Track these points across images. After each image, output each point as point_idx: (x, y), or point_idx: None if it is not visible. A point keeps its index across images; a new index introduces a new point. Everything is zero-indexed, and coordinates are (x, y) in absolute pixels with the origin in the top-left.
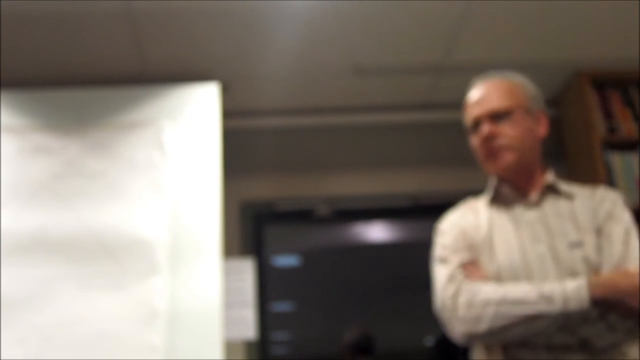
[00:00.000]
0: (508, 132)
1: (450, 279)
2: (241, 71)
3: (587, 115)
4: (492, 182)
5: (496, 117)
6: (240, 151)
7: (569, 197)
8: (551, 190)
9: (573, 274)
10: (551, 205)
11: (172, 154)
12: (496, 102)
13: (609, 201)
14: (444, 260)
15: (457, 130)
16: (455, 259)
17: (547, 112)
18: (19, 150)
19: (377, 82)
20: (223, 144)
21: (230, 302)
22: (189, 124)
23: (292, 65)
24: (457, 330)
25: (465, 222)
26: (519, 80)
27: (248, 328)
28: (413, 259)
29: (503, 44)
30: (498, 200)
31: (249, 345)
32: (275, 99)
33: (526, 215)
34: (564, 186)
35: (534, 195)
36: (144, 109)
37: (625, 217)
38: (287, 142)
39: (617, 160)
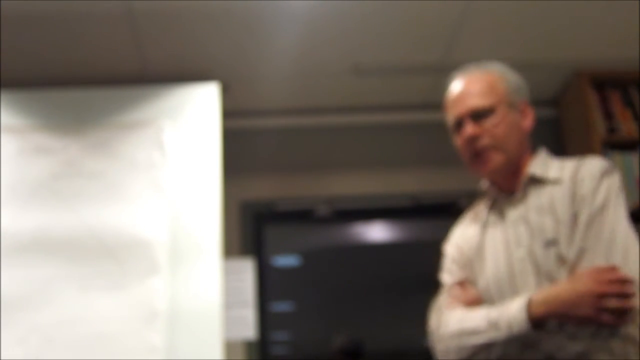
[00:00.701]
0: (492, 131)
1: (437, 308)
2: (241, 71)
3: (587, 115)
4: (483, 184)
5: (478, 115)
6: (240, 151)
7: (555, 182)
8: (535, 180)
9: (550, 277)
10: (534, 197)
11: (172, 154)
12: (477, 99)
13: (588, 180)
14: (442, 285)
15: None
16: (448, 283)
17: (530, 102)
18: (19, 150)
19: (377, 82)
20: (223, 144)
21: (230, 302)
22: (189, 124)
23: (292, 65)
24: None
25: (463, 236)
26: (500, 72)
27: (248, 328)
28: (413, 259)
29: (503, 44)
30: (490, 203)
31: (249, 345)
32: (275, 99)
33: (512, 214)
34: (553, 169)
35: (518, 190)
36: (144, 109)
37: (599, 197)
38: (287, 142)
39: (617, 160)
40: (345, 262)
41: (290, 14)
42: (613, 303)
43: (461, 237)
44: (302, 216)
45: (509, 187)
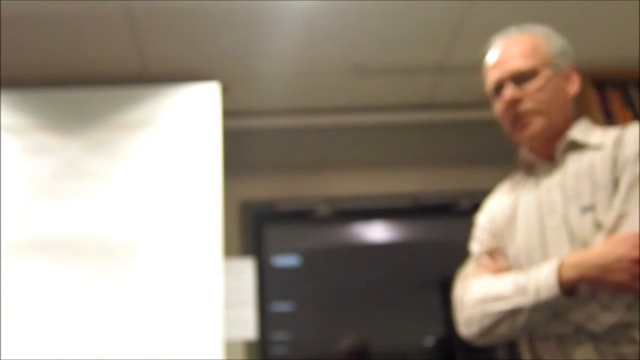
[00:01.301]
0: (534, 95)
1: (463, 276)
2: (241, 71)
3: (587, 115)
4: (521, 151)
5: (520, 78)
6: (240, 151)
7: (596, 148)
8: (575, 145)
9: (585, 245)
10: (573, 163)
11: (172, 154)
12: (519, 61)
13: (632, 144)
14: (470, 255)
15: (457, 130)
16: (477, 252)
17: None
18: (19, 150)
19: (377, 82)
20: (223, 144)
21: (230, 302)
22: (189, 124)
23: (292, 65)
24: (460, 332)
25: (497, 205)
26: (544, 34)
27: (248, 328)
28: (413, 259)
29: None
30: (526, 170)
31: (249, 345)
32: (275, 99)
33: (548, 181)
34: (595, 135)
35: (557, 155)
36: (144, 109)
37: None
38: (287, 142)
39: None
40: (345, 262)
41: (290, 14)
42: None
43: (495, 205)
44: (302, 216)
45: (548, 153)
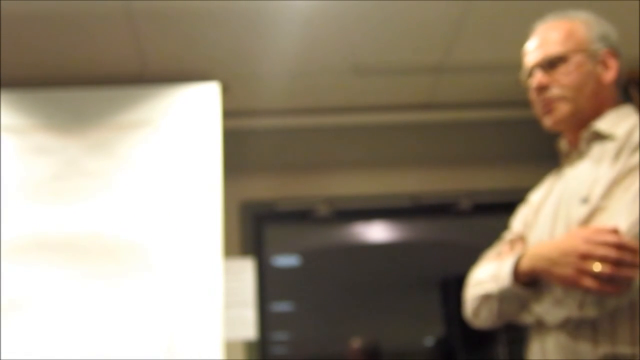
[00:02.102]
0: (562, 80)
1: (481, 260)
2: (241, 71)
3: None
4: (560, 140)
5: (550, 64)
6: (240, 151)
7: (615, 138)
8: (600, 135)
9: None
10: (595, 154)
11: (172, 154)
12: (549, 47)
13: (636, 136)
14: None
15: (457, 130)
16: (506, 238)
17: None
18: (19, 150)
19: (377, 82)
20: (223, 144)
21: (230, 302)
22: (189, 124)
23: (292, 65)
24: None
25: (536, 194)
26: (583, 19)
27: (248, 328)
28: (413, 259)
29: (503, 44)
30: (563, 159)
31: (249, 345)
32: (275, 99)
33: (571, 171)
34: (625, 125)
35: (581, 145)
36: (144, 109)
37: (637, 154)
38: (287, 142)
39: None
40: (345, 262)
41: (290, 14)
42: (596, 267)
43: (535, 195)
44: (302, 216)
45: (577, 142)
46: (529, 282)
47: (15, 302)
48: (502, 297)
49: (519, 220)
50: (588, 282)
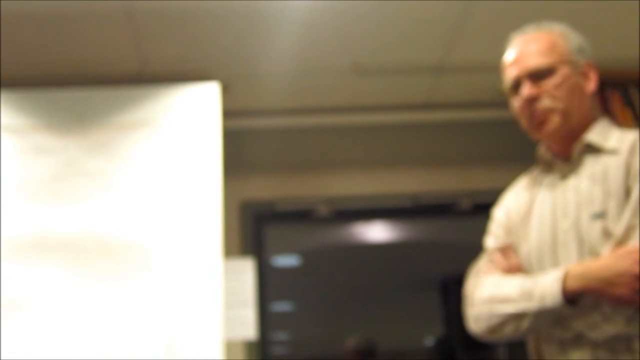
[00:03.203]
0: (552, 92)
1: (475, 272)
2: (241, 71)
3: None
4: (540, 147)
5: (537, 76)
6: (240, 151)
7: (612, 152)
8: (591, 148)
9: (593, 252)
10: (589, 166)
11: (172, 154)
12: (536, 59)
13: None
14: (484, 250)
15: (457, 130)
16: (491, 247)
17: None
18: (19, 150)
19: (377, 82)
20: (223, 144)
21: (230, 302)
22: (189, 124)
23: (292, 65)
24: (469, 327)
25: (514, 200)
26: (561, 31)
27: (248, 328)
28: (413, 259)
29: (503, 44)
30: (544, 167)
31: (249, 345)
32: (275, 99)
33: (564, 182)
34: (612, 139)
35: (573, 156)
36: (144, 109)
37: None
38: (287, 142)
39: None
40: (345, 262)
41: (290, 14)
42: None
43: (511, 201)
44: (302, 216)
45: (565, 153)
46: (571, 300)
47: (15, 302)
48: (539, 315)
49: (501, 227)
50: None
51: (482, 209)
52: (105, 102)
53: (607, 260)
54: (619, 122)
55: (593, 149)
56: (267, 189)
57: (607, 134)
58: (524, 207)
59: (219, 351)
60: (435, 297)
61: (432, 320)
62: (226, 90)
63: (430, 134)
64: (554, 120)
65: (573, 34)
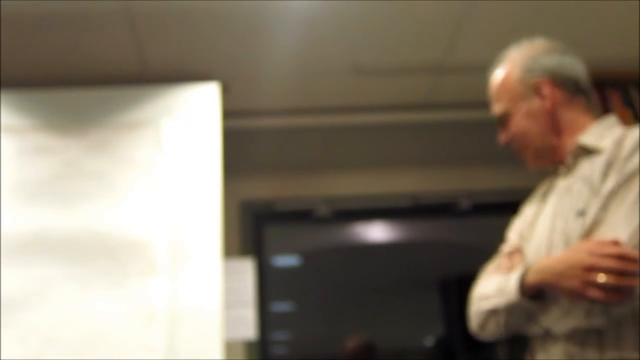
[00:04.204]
0: (515, 133)
1: (482, 274)
2: (241, 71)
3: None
4: None
5: (501, 121)
6: (240, 151)
7: (603, 152)
8: (586, 150)
9: None
10: (583, 167)
11: (172, 154)
12: (495, 107)
13: (626, 147)
14: (498, 253)
15: (457, 130)
16: (504, 251)
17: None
18: (19, 150)
19: (377, 82)
20: (223, 144)
21: (230, 302)
22: (189, 124)
23: (292, 65)
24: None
25: (529, 207)
26: (511, 61)
27: (248, 328)
28: (413, 259)
29: (503, 44)
30: (553, 173)
31: (249, 345)
32: (275, 99)
33: (561, 185)
34: (609, 138)
35: (568, 161)
36: (144, 109)
37: (631, 165)
38: (287, 142)
39: None
40: (345, 262)
41: (290, 14)
42: (601, 278)
43: (528, 208)
44: (302, 216)
45: (560, 157)
46: (535, 295)
47: (15, 302)
48: (509, 311)
49: (514, 232)
50: (594, 293)
51: (482, 209)
52: (105, 102)
53: (563, 254)
54: (619, 122)
55: (588, 151)
56: (267, 189)
57: (605, 133)
58: (535, 212)
59: (219, 351)
60: (435, 297)
61: (432, 320)
62: (226, 90)
63: (430, 134)
64: (528, 157)
65: (522, 54)
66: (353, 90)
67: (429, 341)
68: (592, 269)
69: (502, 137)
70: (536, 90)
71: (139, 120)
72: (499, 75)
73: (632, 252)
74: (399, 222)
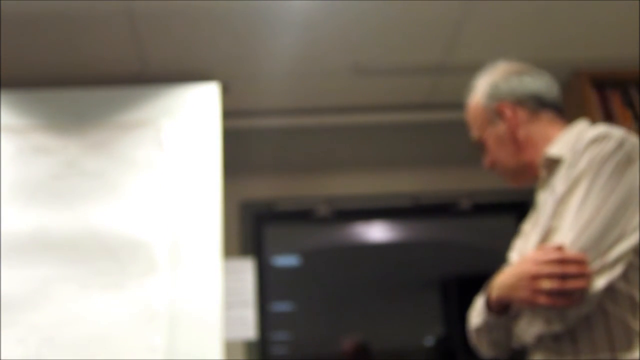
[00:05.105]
0: (493, 157)
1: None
2: (241, 71)
3: (587, 115)
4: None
5: (479, 147)
6: (240, 151)
7: (564, 159)
8: (555, 160)
9: None
10: (554, 177)
11: (172, 154)
12: (471, 134)
13: (577, 152)
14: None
15: (457, 130)
16: (507, 263)
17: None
18: (19, 150)
19: (377, 82)
20: (223, 144)
21: (230, 302)
22: (189, 124)
23: (292, 65)
24: None
25: (527, 222)
26: (476, 92)
27: (248, 328)
28: (413, 259)
29: (503, 44)
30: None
31: (249, 345)
32: (275, 99)
33: (541, 198)
34: (571, 144)
35: (542, 174)
36: (144, 109)
37: (576, 170)
38: (287, 142)
39: None
40: (346, 262)
41: (290, 14)
42: (546, 284)
43: (526, 224)
44: (302, 216)
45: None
46: (504, 309)
47: (15, 302)
48: (488, 329)
49: (515, 251)
50: (542, 300)
51: (482, 209)
52: (105, 102)
53: (514, 267)
54: (619, 122)
55: (556, 161)
56: (267, 189)
57: (571, 140)
58: (529, 229)
59: (219, 351)
60: (435, 297)
61: (432, 320)
62: (226, 90)
63: (430, 134)
64: (509, 178)
65: (483, 81)
66: (353, 90)
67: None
68: (537, 277)
69: (485, 162)
70: (499, 114)
71: (139, 120)
72: (469, 103)
73: (574, 254)
74: (399, 222)
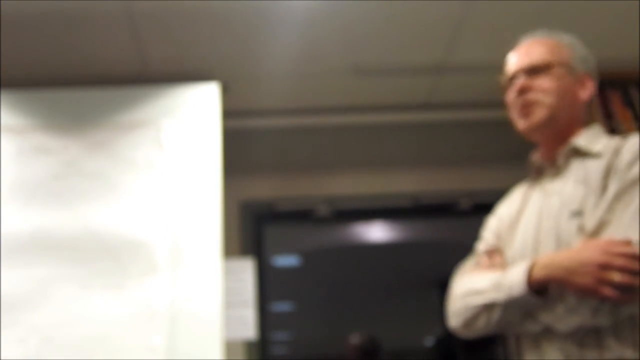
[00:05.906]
0: (543, 87)
1: (461, 272)
2: (241, 71)
3: (587, 115)
4: (531, 155)
5: (533, 71)
6: (240, 151)
7: (598, 156)
8: (578, 152)
9: (568, 248)
10: (575, 169)
11: (172, 154)
12: (535, 55)
13: (626, 153)
14: (473, 252)
15: (457, 130)
16: (480, 250)
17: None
18: (19, 150)
19: (377, 82)
20: (223, 144)
21: (230, 302)
22: (189, 124)
23: (292, 65)
24: (449, 323)
25: (507, 207)
26: (567, 40)
27: (248, 328)
28: (413, 259)
29: (503, 44)
30: (535, 174)
31: (249, 345)
32: (275, 99)
33: (550, 186)
34: (600, 144)
35: (559, 161)
36: (144, 109)
37: (634, 170)
38: (287, 142)
39: None
40: (345, 262)
41: (290, 14)
42: (616, 277)
43: (504, 208)
44: (302, 216)
45: (553, 157)
46: (538, 290)
47: (15, 302)
48: (507, 306)
49: (491, 232)
50: (608, 291)
51: (482, 209)
52: (105, 102)
53: (574, 251)
54: (619, 122)
55: (580, 153)
56: (267, 189)
57: (595, 139)
58: (515, 213)
59: (219, 351)
60: (435, 297)
61: (432, 320)
62: (226, 90)
63: (430, 134)
64: (539, 113)
65: (580, 46)
66: (353, 90)
67: (429, 341)
68: (606, 267)
69: (525, 83)
70: (582, 79)
71: (139, 120)
72: (549, 38)
73: None
74: (399, 222)
